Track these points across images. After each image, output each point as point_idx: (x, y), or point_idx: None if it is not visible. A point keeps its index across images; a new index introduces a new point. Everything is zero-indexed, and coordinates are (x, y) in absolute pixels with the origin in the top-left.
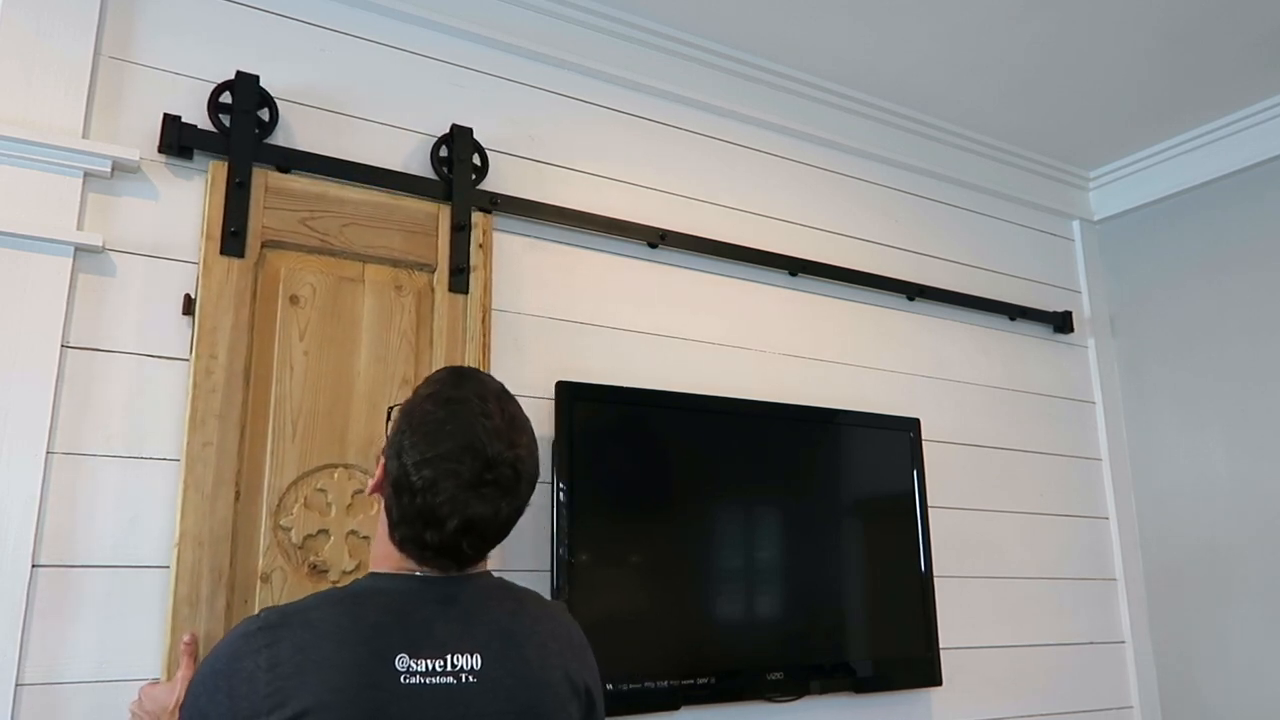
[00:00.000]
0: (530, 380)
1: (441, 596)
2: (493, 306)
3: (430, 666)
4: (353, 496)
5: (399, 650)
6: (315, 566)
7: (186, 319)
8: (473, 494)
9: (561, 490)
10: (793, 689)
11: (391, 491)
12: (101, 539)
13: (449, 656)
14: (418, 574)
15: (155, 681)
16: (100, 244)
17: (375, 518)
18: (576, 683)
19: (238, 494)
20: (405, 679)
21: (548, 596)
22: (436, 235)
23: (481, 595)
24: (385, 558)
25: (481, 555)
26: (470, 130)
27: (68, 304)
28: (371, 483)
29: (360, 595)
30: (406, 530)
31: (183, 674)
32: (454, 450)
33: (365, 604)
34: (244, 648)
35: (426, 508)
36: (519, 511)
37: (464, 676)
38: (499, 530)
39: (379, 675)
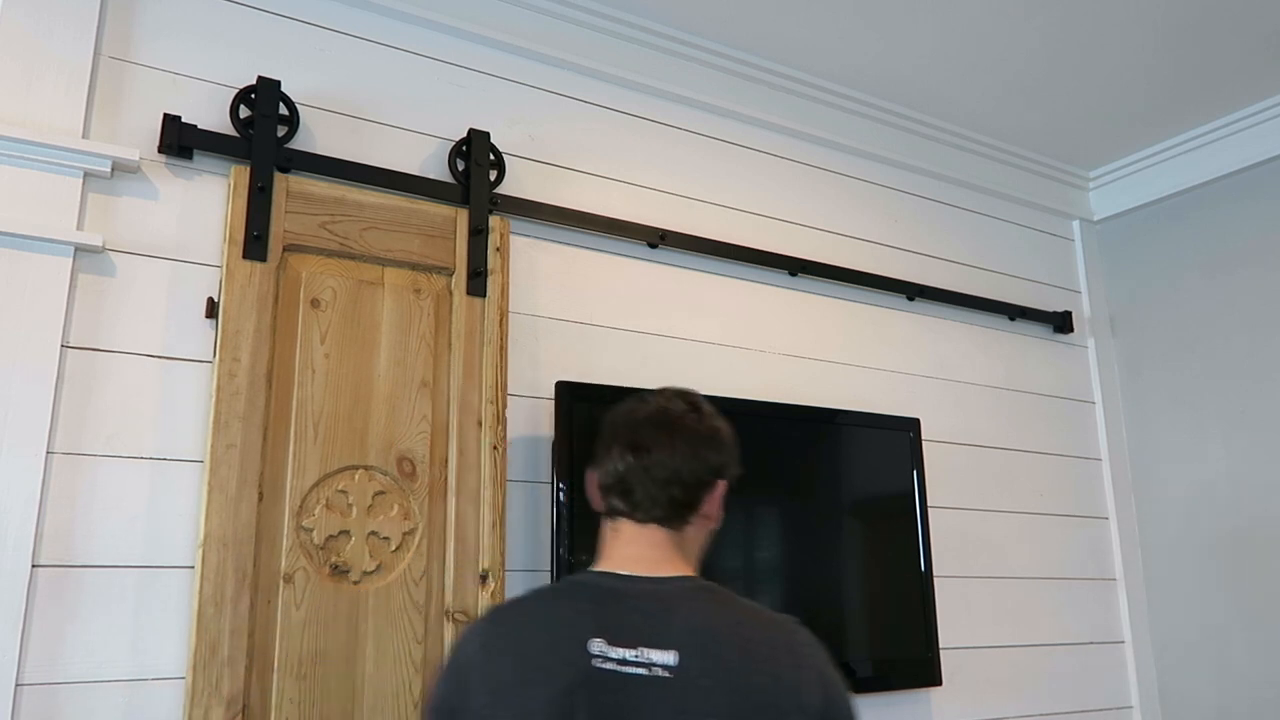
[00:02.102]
0: (530, 380)
1: (641, 592)
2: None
3: (623, 655)
4: (373, 498)
5: (594, 635)
6: (337, 567)
7: (183, 318)
8: (649, 424)
9: (561, 490)
10: None
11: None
12: (105, 539)
13: (642, 649)
14: (621, 572)
15: None
16: (100, 244)
17: (396, 519)
18: (795, 694)
19: (261, 495)
20: (598, 663)
21: None
22: (454, 239)
23: (682, 594)
24: (599, 552)
25: (663, 498)
26: (487, 135)
27: (68, 304)
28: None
29: (569, 587)
30: (603, 469)
31: None
32: (643, 403)
33: (571, 594)
34: (469, 635)
35: (614, 438)
36: (700, 468)
37: (656, 670)
38: (672, 472)
39: (573, 656)
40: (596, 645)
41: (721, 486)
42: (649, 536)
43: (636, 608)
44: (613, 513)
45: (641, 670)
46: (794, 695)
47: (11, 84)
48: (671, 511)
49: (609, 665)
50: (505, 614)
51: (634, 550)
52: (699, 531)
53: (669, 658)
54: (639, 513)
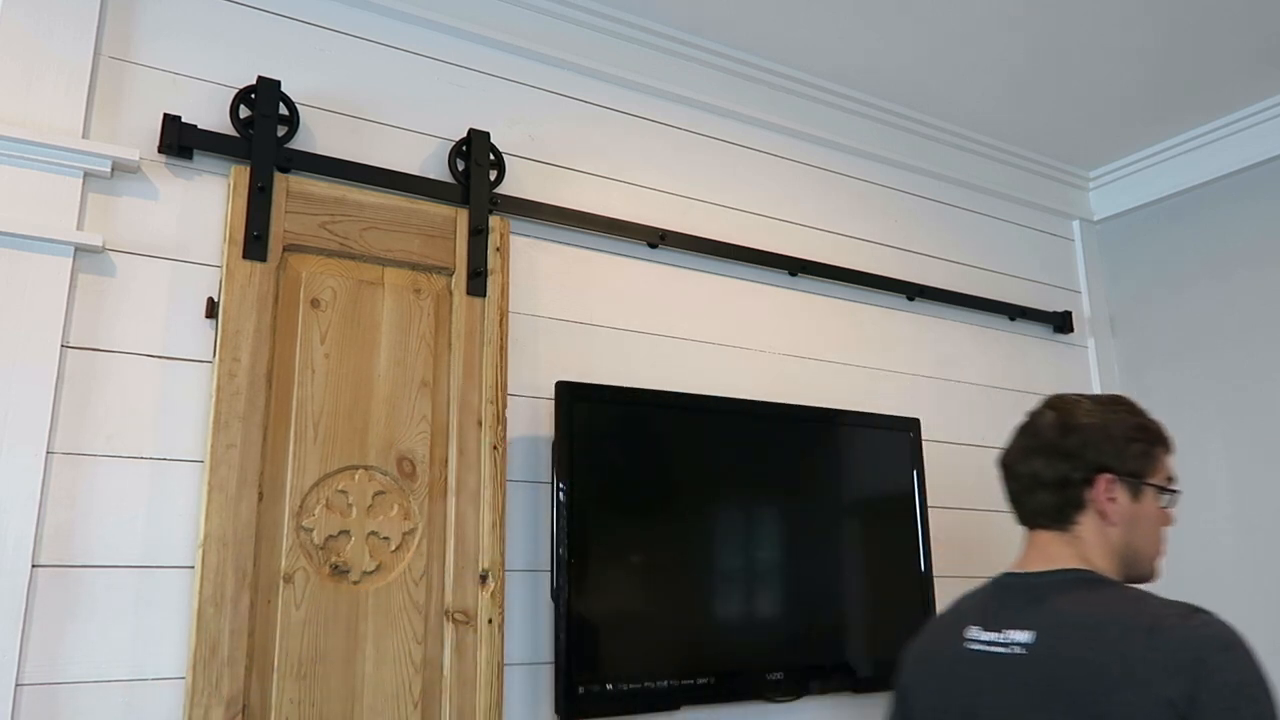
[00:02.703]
0: (530, 380)
1: (1022, 585)
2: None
3: (990, 638)
4: (373, 498)
5: (972, 623)
6: (336, 567)
7: (183, 318)
8: (1015, 439)
9: (561, 490)
10: (792, 689)
11: None
12: (105, 539)
13: (1007, 631)
14: (1014, 571)
15: None
16: (100, 244)
17: (396, 519)
18: (1137, 669)
19: (261, 495)
20: (967, 645)
21: (546, 596)
22: (454, 239)
23: (1058, 584)
24: None
25: (1034, 505)
26: (487, 135)
27: (68, 304)
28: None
29: (979, 587)
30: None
31: None
32: (1025, 418)
33: (975, 592)
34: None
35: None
36: (1062, 468)
37: (1014, 648)
38: (1031, 479)
39: (952, 641)
40: (972, 630)
41: (1104, 481)
42: (1038, 539)
43: (1011, 598)
44: (1020, 523)
45: (1003, 649)
46: (1135, 670)
47: (11, 84)
48: (1048, 515)
49: (978, 645)
50: (938, 615)
51: (1029, 552)
52: (1096, 528)
53: (1026, 637)
54: (1026, 521)
